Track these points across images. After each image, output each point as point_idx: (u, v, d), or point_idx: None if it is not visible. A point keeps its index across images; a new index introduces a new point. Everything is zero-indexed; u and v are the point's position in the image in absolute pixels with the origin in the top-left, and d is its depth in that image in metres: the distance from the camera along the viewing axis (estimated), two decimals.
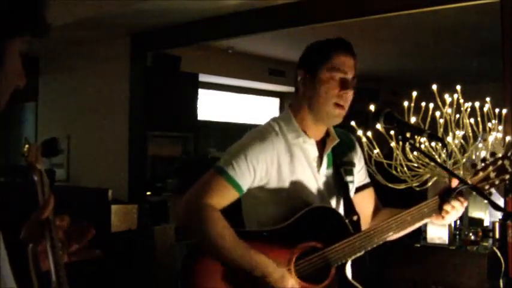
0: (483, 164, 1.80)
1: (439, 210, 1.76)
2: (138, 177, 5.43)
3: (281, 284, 1.64)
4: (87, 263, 1.19)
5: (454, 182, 1.75)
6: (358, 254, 1.75)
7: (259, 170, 1.74)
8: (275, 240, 1.70)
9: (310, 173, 1.82)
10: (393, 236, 1.79)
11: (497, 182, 1.78)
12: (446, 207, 1.74)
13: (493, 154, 1.82)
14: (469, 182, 1.76)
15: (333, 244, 1.72)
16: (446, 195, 1.74)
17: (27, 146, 1.14)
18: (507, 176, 1.78)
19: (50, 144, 1.20)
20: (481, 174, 1.78)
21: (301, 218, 1.73)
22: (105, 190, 4.88)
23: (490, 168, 1.78)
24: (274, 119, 1.88)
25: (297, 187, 1.79)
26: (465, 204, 1.76)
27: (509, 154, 1.80)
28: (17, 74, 0.92)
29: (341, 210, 1.85)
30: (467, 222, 3.42)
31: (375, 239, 1.75)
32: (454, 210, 1.74)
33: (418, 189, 3.00)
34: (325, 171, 1.85)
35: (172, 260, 4.94)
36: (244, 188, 1.74)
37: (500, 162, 1.78)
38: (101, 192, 4.89)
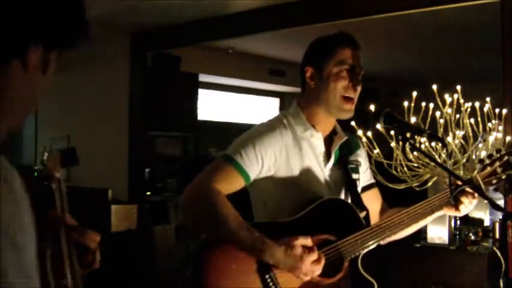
0: (490, 160, 1.85)
1: (454, 202, 1.79)
2: (138, 177, 5.43)
3: (291, 265, 1.61)
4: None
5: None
6: (371, 247, 1.75)
7: (267, 160, 1.74)
8: (287, 233, 1.67)
9: (318, 167, 1.83)
10: (405, 231, 1.81)
11: (504, 177, 1.84)
12: (462, 198, 1.78)
13: (498, 150, 1.86)
14: (478, 177, 1.82)
15: (345, 237, 1.71)
16: (460, 188, 1.77)
17: (46, 154, 1.13)
18: None
19: (69, 153, 1.21)
20: (488, 169, 1.84)
21: (313, 210, 1.72)
22: (105, 190, 4.88)
23: (497, 163, 1.83)
24: (282, 113, 1.90)
25: (306, 179, 1.79)
26: (476, 196, 1.80)
27: None
28: (50, 82, 0.94)
29: None
30: (468, 222, 3.42)
31: (387, 231, 1.76)
32: (469, 202, 1.79)
33: (418, 189, 3.00)
34: (331, 167, 1.86)
35: (172, 260, 4.95)
36: (252, 176, 1.73)
37: (506, 157, 1.84)
38: (101, 192, 4.90)
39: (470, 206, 1.80)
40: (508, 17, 3.19)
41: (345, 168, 1.88)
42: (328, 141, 1.88)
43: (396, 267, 3.27)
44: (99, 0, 4.32)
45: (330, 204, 1.76)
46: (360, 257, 1.75)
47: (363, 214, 1.79)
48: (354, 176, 1.89)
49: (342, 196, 1.87)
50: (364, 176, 1.97)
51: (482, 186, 1.81)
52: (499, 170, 1.83)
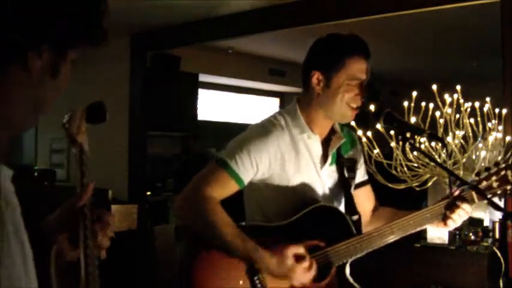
0: (486, 173, 1.81)
1: (443, 217, 1.78)
2: (138, 177, 5.43)
3: (284, 274, 1.65)
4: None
5: (457, 191, 1.77)
6: (359, 255, 1.76)
7: (262, 166, 1.74)
8: (279, 236, 1.71)
9: (314, 170, 1.82)
10: (394, 239, 1.81)
11: (499, 192, 1.80)
12: (452, 214, 1.76)
13: (496, 164, 1.83)
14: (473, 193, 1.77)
15: (335, 244, 1.73)
16: (452, 202, 1.75)
17: (68, 114, 1.05)
18: (509, 187, 1.79)
19: (96, 109, 1.11)
20: (484, 183, 1.79)
21: (305, 215, 1.74)
22: (105, 190, 4.88)
23: (493, 178, 1.79)
24: (280, 112, 1.88)
25: (301, 183, 1.80)
26: (470, 211, 1.77)
27: None
28: (67, 83, 0.90)
29: (342, 208, 1.87)
30: (467, 222, 3.41)
31: (377, 241, 1.77)
32: (459, 218, 1.77)
33: (418, 189, 3.00)
34: (328, 168, 1.86)
35: (173, 260, 4.94)
36: (246, 181, 1.75)
37: (503, 172, 1.80)
38: (101, 192, 4.89)
39: (459, 221, 1.78)
40: (508, 17, 3.19)
41: (341, 168, 1.88)
42: (326, 142, 1.87)
43: (396, 267, 3.27)
44: None
45: (322, 211, 1.77)
46: (348, 263, 1.77)
47: (355, 217, 1.81)
48: (350, 175, 1.90)
49: (336, 199, 1.88)
50: (358, 172, 1.97)
51: (476, 200, 1.77)
52: (495, 184, 1.79)
